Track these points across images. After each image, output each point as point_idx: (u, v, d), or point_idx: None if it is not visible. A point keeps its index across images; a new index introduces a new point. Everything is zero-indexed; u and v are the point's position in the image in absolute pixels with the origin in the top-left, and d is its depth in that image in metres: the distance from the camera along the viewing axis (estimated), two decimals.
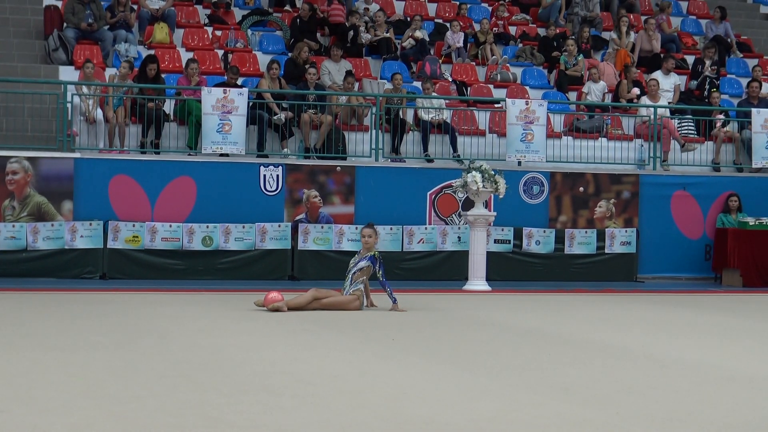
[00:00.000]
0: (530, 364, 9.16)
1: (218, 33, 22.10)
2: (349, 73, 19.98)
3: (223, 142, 17.86)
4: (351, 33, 22.34)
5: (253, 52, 21.72)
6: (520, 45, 23.73)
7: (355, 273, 13.26)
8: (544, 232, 18.90)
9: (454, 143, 19.57)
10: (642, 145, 20.50)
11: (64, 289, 15.48)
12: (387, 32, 22.58)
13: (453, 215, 18.72)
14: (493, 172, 16.71)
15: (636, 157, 20.42)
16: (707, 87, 22.54)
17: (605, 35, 24.62)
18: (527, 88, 22.03)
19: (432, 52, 22.64)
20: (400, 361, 9.14)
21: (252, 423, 6.40)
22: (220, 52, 21.39)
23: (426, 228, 18.39)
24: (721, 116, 21.27)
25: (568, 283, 18.41)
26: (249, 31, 22.36)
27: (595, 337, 11.28)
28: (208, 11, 22.85)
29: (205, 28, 22.30)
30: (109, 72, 19.55)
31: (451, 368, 8.82)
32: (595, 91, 21.50)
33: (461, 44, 22.81)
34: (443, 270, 18.26)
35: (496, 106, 20.45)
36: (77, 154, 17.53)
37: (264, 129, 18.64)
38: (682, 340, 11.27)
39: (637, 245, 19.24)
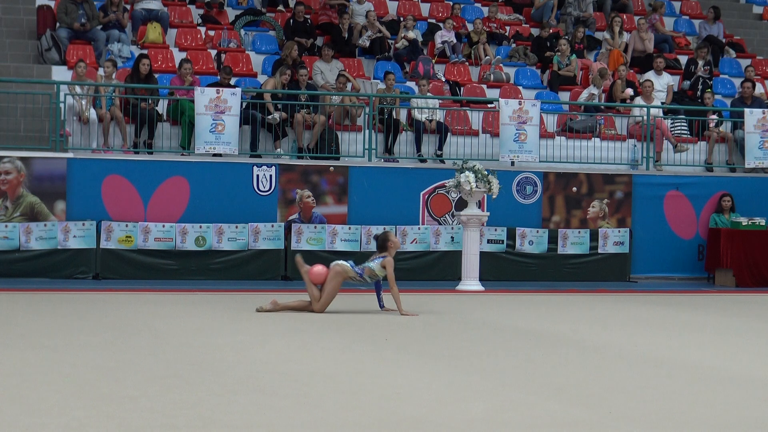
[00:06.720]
0: (523, 364, 9.16)
1: (211, 33, 22.06)
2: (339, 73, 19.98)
3: (216, 142, 17.85)
4: (346, 35, 22.32)
5: (246, 52, 21.70)
6: (513, 45, 23.73)
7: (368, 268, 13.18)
8: (537, 232, 18.90)
9: (440, 143, 19.55)
10: (635, 145, 20.50)
11: (56, 289, 15.46)
12: (379, 32, 22.52)
13: (446, 215, 18.72)
14: (486, 172, 16.71)
15: (629, 157, 20.43)
16: (700, 87, 22.56)
17: (598, 35, 24.62)
18: (520, 88, 22.01)
19: (425, 52, 22.63)
20: (393, 361, 9.14)
21: (245, 423, 6.40)
22: (213, 52, 21.36)
23: (419, 228, 18.39)
24: (714, 116, 21.28)
25: (561, 283, 18.41)
26: (242, 31, 22.34)
27: (587, 337, 11.29)
28: (201, 11, 22.81)
29: (198, 28, 22.26)
30: (99, 73, 19.50)
31: (444, 368, 8.82)
32: (597, 96, 21.25)
33: (454, 40, 22.71)
34: (436, 270, 18.26)
35: (489, 106, 20.45)
36: (70, 154, 17.51)
37: (257, 129, 18.62)
38: (674, 340, 11.28)
39: (630, 245, 19.25)
